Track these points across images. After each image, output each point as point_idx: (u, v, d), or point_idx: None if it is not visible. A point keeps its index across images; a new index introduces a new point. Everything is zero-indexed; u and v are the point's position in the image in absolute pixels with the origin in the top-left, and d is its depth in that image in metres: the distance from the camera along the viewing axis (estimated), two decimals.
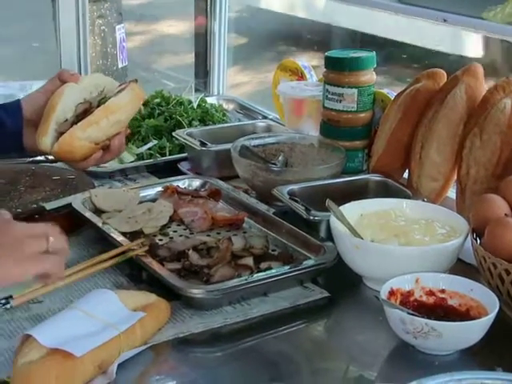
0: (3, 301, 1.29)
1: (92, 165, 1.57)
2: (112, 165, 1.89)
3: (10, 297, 1.30)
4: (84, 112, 1.52)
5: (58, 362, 1.12)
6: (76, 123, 1.50)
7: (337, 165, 1.77)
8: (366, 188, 1.74)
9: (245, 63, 5.98)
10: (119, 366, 1.19)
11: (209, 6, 2.48)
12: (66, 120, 1.50)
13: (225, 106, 2.38)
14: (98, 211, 1.64)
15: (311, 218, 1.55)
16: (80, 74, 2.52)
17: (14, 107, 1.54)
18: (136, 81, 1.61)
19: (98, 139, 1.52)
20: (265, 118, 2.25)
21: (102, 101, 1.55)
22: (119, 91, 1.56)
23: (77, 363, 1.13)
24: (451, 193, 1.73)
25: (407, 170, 1.77)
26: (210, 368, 1.28)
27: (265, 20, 7.45)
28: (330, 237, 1.50)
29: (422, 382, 0.87)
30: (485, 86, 1.68)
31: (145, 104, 2.20)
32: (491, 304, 1.27)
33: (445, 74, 1.76)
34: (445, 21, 1.30)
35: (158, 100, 2.21)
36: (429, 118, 1.70)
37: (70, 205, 1.63)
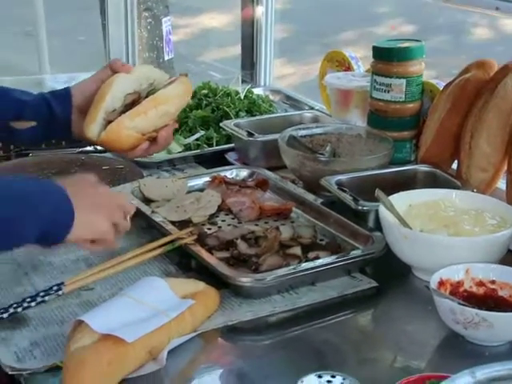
0: (55, 287, 1.32)
1: (138, 156, 1.56)
2: (160, 155, 1.90)
3: (62, 283, 1.33)
4: (132, 102, 1.51)
5: (109, 348, 1.14)
6: (124, 113, 1.50)
7: (384, 155, 1.76)
8: (415, 178, 1.73)
9: (290, 55, 5.98)
10: (169, 352, 1.21)
11: None
12: (115, 110, 1.50)
13: (271, 96, 2.39)
14: (147, 200, 1.65)
15: (359, 207, 1.55)
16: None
17: (64, 94, 1.54)
18: (186, 75, 1.60)
19: (145, 130, 1.50)
20: (312, 108, 2.24)
21: (151, 92, 1.54)
22: (169, 83, 1.55)
23: (128, 349, 1.14)
24: (501, 183, 1.71)
25: (456, 161, 1.76)
26: (258, 356, 1.28)
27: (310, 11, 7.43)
28: (378, 227, 1.50)
29: (474, 371, 0.86)
30: None
31: (192, 95, 2.20)
32: None
33: (495, 63, 1.74)
34: (497, 9, 1.29)
35: (205, 91, 2.22)
36: (479, 108, 1.68)
37: None
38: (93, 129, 1.47)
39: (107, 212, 1.30)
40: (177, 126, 1.63)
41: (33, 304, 1.29)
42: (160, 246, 1.47)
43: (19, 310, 1.29)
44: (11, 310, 1.28)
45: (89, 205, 1.27)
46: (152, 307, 1.22)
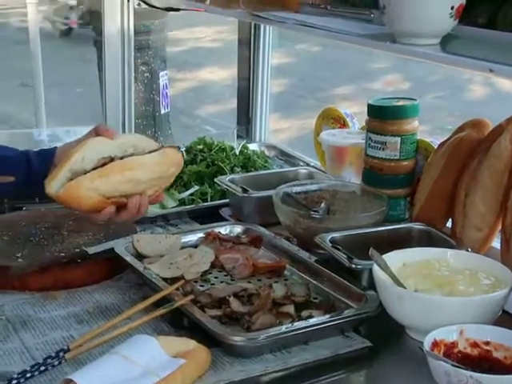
0: (61, 354, 1.30)
1: (105, 219, 1.51)
2: (154, 210, 1.90)
3: (64, 350, 1.31)
4: (102, 165, 1.47)
5: None
6: None
7: (379, 213, 1.76)
8: (409, 237, 1.72)
9: (285, 109, 6.02)
10: None
11: (252, 54, 2.50)
12: (85, 171, 1.45)
13: (266, 152, 2.39)
14: (140, 256, 1.64)
15: (353, 266, 1.54)
16: (124, 121, 2.55)
17: (47, 153, 1.57)
18: (178, 148, 1.60)
19: (109, 193, 1.46)
20: (307, 165, 2.25)
21: (123, 157, 1.51)
22: (149, 152, 1.52)
23: None
24: (496, 243, 1.71)
25: (450, 220, 1.75)
26: None
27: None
28: (372, 286, 1.49)
29: None
30: None
31: (187, 150, 2.22)
32: None
33: (489, 122, 1.75)
34: (491, 71, 1.30)
35: (200, 146, 2.22)
36: (473, 167, 1.68)
37: (112, 249, 1.64)
38: (53, 185, 1.44)
39: None
40: (161, 198, 1.60)
41: (36, 373, 1.28)
42: (154, 304, 1.45)
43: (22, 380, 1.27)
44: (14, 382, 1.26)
45: None
46: (142, 366, 1.20)
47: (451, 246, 1.62)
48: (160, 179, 1.52)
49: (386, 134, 1.83)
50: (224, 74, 6.75)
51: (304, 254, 1.67)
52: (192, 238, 1.75)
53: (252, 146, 2.35)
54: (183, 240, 1.72)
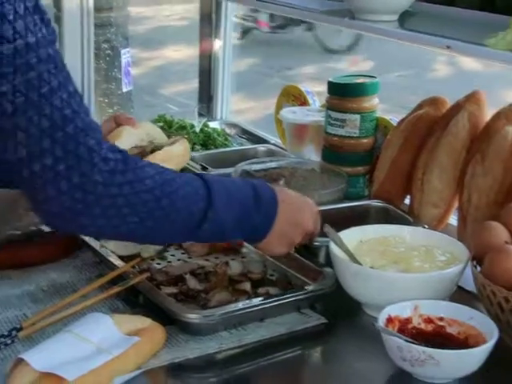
0: (14, 332, 1.29)
1: None
2: None
3: (16, 329, 1.30)
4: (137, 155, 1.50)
5: None
6: None
7: (338, 190, 1.76)
8: (367, 214, 1.73)
9: (250, 89, 6.01)
10: None
11: (213, 32, 2.48)
12: None
13: (227, 130, 2.38)
14: None
15: (311, 243, 1.54)
16: (83, 98, 2.52)
17: None
18: (185, 137, 1.68)
19: None
20: (267, 142, 2.24)
21: (155, 149, 1.57)
22: (172, 143, 1.59)
23: None
24: (453, 220, 1.72)
25: (408, 197, 1.76)
26: None
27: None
28: (329, 263, 1.49)
29: None
30: (487, 113, 1.68)
31: None
32: (490, 332, 1.26)
33: (447, 100, 1.76)
34: (448, 47, 1.29)
35: (160, 124, 2.20)
36: (431, 145, 1.69)
37: None
38: None
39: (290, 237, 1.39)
40: None
41: None
42: (110, 282, 1.44)
43: None
44: None
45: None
46: (95, 344, 1.19)
47: (409, 223, 1.63)
48: (179, 169, 1.58)
49: (345, 112, 1.83)
50: (189, 53, 6.71)
51: None
52: None
53: (213, 124, 2.34)
54: None
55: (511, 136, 1.57)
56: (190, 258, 1.60)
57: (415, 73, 6.94)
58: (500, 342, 1.27)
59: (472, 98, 1.67)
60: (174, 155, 1.53)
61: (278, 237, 1.35)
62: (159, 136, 1.64)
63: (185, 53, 7.22)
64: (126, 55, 3.26)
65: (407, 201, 1.78)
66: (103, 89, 3.55)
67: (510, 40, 1.22)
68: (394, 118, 1.90)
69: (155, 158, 1.46)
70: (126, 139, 1.50)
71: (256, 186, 1.33)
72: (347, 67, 7.17)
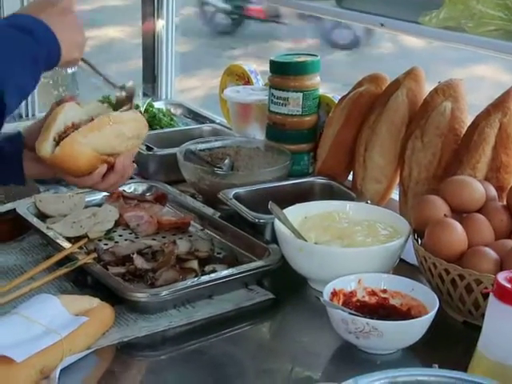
0: None
1: (96, 181, 1.42)
2: None
3: None
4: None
5: None
6: None
7: (282, 168, 1.78)
8: (312, 191, 1.75)
9: (196, 68, 5.99)
10: (62, 370, 1.19)
11: (156, 11, 2.48)
12: (67, 130, 1.39)
13: (173, 110, 2.38)
14: (43, 216, 1.63)
15: (256, 220, 1.56)
16: None
17: (15, 136, 1.46)
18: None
19: (101, 148, 1.39)
20: (212, 122, 2.25)
21: None
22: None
23: (18, 368, 1.13)
24: (395, 195, 1.76)
25: (352, 173, 1.79)
26: (155, 372, 1.28)
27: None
28: (275, 239, 1.51)
29: (357, 380, 0.88)
30: (426, 89, 1.71)
31: None
32: (431, 303, 1.30)
33: (387, 77, 1.79)
34: (382, 25, 1.32)
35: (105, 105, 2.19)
36: (372, 122, 1.72)
37: (14, 210, 1.62)
38: (46, 146, 1.36)
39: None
40: (135, 165, 1.53)
41: None
42: (57, 264, 1.45)
43: None
44: None
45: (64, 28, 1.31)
46: (43, 325, 1.20)
47: (352, 199, 1.66)
48: (138, 139, 1.48)
49: (288, 90, 1.85)
50: (133, 32, 6.65)
51: (208, 210, 1.68)
52: (96, 197, 1.74)
53: (158, 104, 2.34)
54: (87, 199, 1.71)
55: (448, 112, 1.61)
56: (137, 237, 1.61)
57: (360, 50, 6.99)
58: (441, 312, 1.31)
59: (410, 74, 1.70)
60: (126, 119, 1.43)
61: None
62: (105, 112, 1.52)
63: (128, 33, 7.15)
64: None
65: (350, 177, 1.81)
66: None
67: (443, 18, 1.25)
68: (336, 96, 1.92)
69: (106, 119, 1.40)
70: (71, 112, 1.41)
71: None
72: (294, 46, 7.19)
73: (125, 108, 1.52)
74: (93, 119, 1.41)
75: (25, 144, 1.44)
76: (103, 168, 1.41)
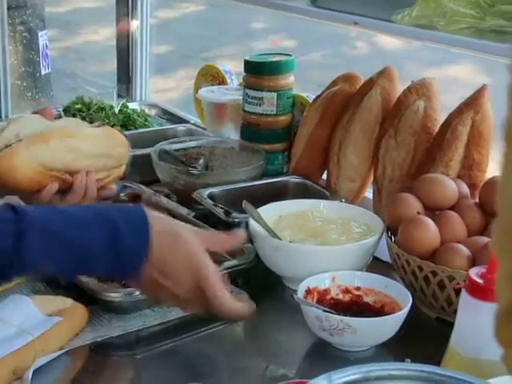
0: None
1: (47, 200, 1.29)
2: None
3: None
4: None
5: None
6: None
7: (256, 167, 1.78)
8: (286, 190, 1.76)
9: (172, 70, 5.98)
10: (35, 371, 1.18)
11: (130, 12, 2.47)
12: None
13: (147, 111, 2.38)
14: None
15: (231, 220, 1.56)
16: (5, 82, 2.47)
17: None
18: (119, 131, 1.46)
19: (49, 163, 1.27)
20: (186, 122, 2.25)
21: None
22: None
23: None
24: (369, 193, 1.76)
25: (326, 172, 1.80)
26: (130, 371, 1.28)
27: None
28: (250, 239, 1.51)
29: (330, 375, 0.89)
30: (400, 88, 1.72)
31: (65, 110, 2.19)
32: (405, 300, 1.30)
33: (361, 77, 1.80)
34: (356, 24, 1.33)
35: (78, 106, 2.19)
36: (346, 121, 1.73)
37: None
38: None
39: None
40: (112, 190, 1.44)
41: None
42: None
43: None
44: None
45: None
46: (15, 326, 1.20)
47: (326, 197, 1.66)
48: (108, 158, 1.35)
49: (262, 90, 1.86)
50: (108, 34, 6.64)
51: (183, 210, 1.68)
52: None
53: (132, 105, 2.33)
54: None
55: (422, 110, 1.62)
56: None
57: (336, 51, 7.01)
58: (414, 308, 1.32)
59: (384, 73, 1.71)
60: (85, 134, 1.30)
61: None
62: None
63: (103, 34, 7.13)
64: (43, 37, 3.21)
65: (325, 176, 1.82)
66: (21, 72, 3.48)
67: (415, 16, 1.26)
68: (310, 95, 1.93)
69: (56, 133, 1.26)
70: (28, 125, 1.29)
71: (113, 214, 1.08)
72: (270, 47, 7.19)
73: (95, 124, 1.42)
74: None
75: None
76: (53, 186, 1.29)
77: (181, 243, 1.09)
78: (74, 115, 2.16)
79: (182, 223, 1.18)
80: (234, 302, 1.12)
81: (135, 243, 1.05)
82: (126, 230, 1.04)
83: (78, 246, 1.03)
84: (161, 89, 5.17)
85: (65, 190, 1.31)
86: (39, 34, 3.36)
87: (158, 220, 1.09)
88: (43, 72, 3.31)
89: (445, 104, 1.69)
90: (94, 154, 1.33)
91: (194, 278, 1.09)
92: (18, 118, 1.32)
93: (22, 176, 1.25)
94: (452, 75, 5.61)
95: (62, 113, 2.16)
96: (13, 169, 1.24)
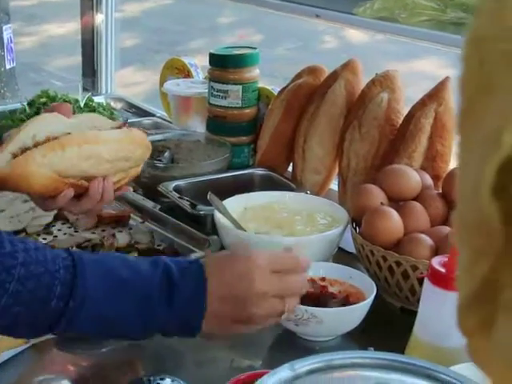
0: None
1: (62, 205, 1.26)
2: None
3: None
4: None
5: None
6: None
7: (222, 160, 1.79)
8: (252, 182, 1.76)
9: (140, 63, 5.96)
10: (0, 365, 1.18)
11: (94, 5, 2.46)
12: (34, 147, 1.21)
13: (113, 104, 2.37)
14: None
15: (196, 212, 1.57)
16: None
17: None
18: (144, 132, 1.40)
19: (65, 171, 1.21)
20: (153, 116, 2.25)
21: None
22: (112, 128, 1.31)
23: None
24: (334, 185, 1.78)
25: (291, 164, 1.81)
26: (96, 365, 1.27)
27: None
28: (215, 231, 1.52)
29: (293, 364, 0.90)
30: (364, 81, 1.73)
31: (30, 104, 2.17)
32: (369, 290, 1.32)
33: (325, 69, 1.81)
34: (317, 16, 1.34)
35: (43, 99, 2.18)
36: (310, 113, 1.74)
37: None
38: None
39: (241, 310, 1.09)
40: (127, 189, 1.37)
41: None
42: None
43: None
44: None
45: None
46: None
47: (292, 190, 1.67)
48: (126, 162, 1.29)
49: (227, 83, 1.86)
50: (74, 28, 6.60)
51: (149, 203, 1.68)
52: None
53: (98, 99, 2.32)
54: None
55: (385, 102, 1.64)
56: (76, 231, 1.60)
57: (304, 45, 7.03)
58: (379, 298, 1.33)
59: (348, 66, 1.72)
60: (105, 139, 1.23)
61: (217, 319, 1.09)
62: (105, 124, 1.33)
63: (68, 28, 7.08)
64: (7, 31, 3.18)
65: (290, 168, 1.83)
66: None
67: (377, 8, 1.27)
68: (275, 88, 1.93)
69: (73, 139, 1.21)
70: (44, 125, 1.22)
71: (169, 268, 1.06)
72: (237, 40, 7.19)
73: (116, 124, 1.34)
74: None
75: None
76: (69, 192, 1.23)
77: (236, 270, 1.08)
78: (38, 109, 2.15)
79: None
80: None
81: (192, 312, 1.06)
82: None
83: (135, 288, 1.04)
84: (129, 82, 5.15)
85: (80, 194, 1.26)
86: (3, 27, 3.33)
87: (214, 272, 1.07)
88: (8, 66, 3.28)
89: (410, 97, 1.71)
90: (113, 158, 1.26)
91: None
92: (34, 119, 1.25)
93: (36, 183, 1.20)
94: (418, 69, 5.65)
95: (27, 107, 2.15)
96: (27, 176, 1.19)
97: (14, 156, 1.19)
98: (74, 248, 1.47)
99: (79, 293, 1.00)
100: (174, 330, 1.09)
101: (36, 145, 1.20)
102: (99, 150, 1.23)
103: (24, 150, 1.20)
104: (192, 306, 1.05)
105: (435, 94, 1.59)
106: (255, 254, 1.10)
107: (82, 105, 2.20)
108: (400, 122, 1.64)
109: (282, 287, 1.10)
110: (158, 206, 1.67)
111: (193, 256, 1.46)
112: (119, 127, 1.30)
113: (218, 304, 1.06)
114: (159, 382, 1.08)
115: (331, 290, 1.37)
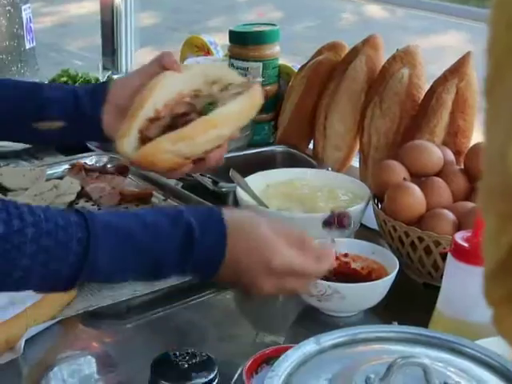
0: None
1: (178, 177, 1.37)
2: (18, 144, 1.86)
3: None
4: (183, 115, 1.21)
5: None
6: (170, 127, 1.19)
7: (243, 137, 1.79)
8: (273, 159, 1.77)
9: (158, 42, 5.95)
10: (27, 341, 1.19)
11: None
12: (158, 119, 1.20)
13: None
14: (4, 190, 1.62)
15: (218, 189, 1.57)
16: None
17: (98, 89, 1.27)
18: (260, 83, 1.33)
19: (190, 155, 1.22)
20: None
21: (209, 107, 1.23)
22: (236, 93, 1.24)
23: None
24: (355, 162, 1.78)
25: (312, 141, 1.81)
26: (121, 340, 1.29)
27: None
28: (238, 207, 1.52)
29: (319, 338, 0.90)
30: (385, 57, 1.73)
31: (51, 83, 2.18)
32: (391, 265, 1.32)
33: (346, 45, 1.80)
34: None
35: (64, 78, 2.19)
36: (331, 90, 1.73)
37: None
38: (126, 145, 1.18)
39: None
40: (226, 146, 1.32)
41: None
42: None
43: None
44: None
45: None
46: (7, 295, 1.20)
47: (313, 167, 1.68)
48: (241, 125, 1.27)
49: (247, 60, 1.86)
50: (94, 8, 6.60)
51: (171, 181, 1.69)
52: (58, 169, 1.73)
53: (118, 77, 2.32)
54: (49, 172, 1.71)
55: (406, 78, 1.63)
56: (99, 209, 1.61)
57: (323, 23, 6.99)
58: (402, 274, 1.33)
59: (369, 42, 1.72)
60: (229, 118, 1.21)
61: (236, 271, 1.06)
62: (225, 75, 1.27)
63: (88, 8, 7.08)
64: (26, 11, 3.18)
65: (311, 145, 1.83)
66: (5, 46, 3.46)
67: None
68: (296, 65, 1.93)
69: (203, 127, 1.19)
70: (166, 89, 1.20)
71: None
72: (255, 18, 7.17)
73: (244, 81, 1.27)
74: (197, 93, 1.19)
75: (108, 98, 1.26)
76: (188, 167, 1.25)
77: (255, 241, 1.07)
78: None
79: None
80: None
81: (210, 256, 1.04)
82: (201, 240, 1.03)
83: (150, 254, 1.02)
84: (148, 61, 5.14)
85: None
86: (22, 7, 3.33)
87: (234, 222, 1.06)
88: (28, 46, 3.28)
89: (433, 73, 1.70)
90: (232, 132, 1.25)
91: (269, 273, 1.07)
92: (148, 87, 1.20)
93: (161, 166, 1.21)
94: (441, 44, 5.60)
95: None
96: (154, 162, 1.19)
97: (142, 137, 1.18)
98: None
99: (90, 262, 0.98)
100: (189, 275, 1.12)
101: (157, 114, 1.19)
102: (224, 132, 1.22)
103: (147, 124, 1.18)
104: (210, 254, 1.04)
105: (456, 70, 1.59)
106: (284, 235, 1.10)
107: None
108: (421, 97, 1.63)
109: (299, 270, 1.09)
110: (180, 184, 1.67)
111: None
112: (242, 91, 1.23)
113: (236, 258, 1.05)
114: (185, 356, 1.09)
115: (354, 265, 1.37)
